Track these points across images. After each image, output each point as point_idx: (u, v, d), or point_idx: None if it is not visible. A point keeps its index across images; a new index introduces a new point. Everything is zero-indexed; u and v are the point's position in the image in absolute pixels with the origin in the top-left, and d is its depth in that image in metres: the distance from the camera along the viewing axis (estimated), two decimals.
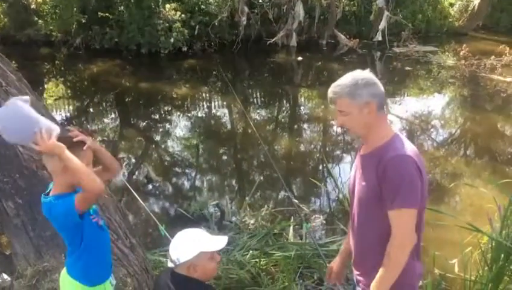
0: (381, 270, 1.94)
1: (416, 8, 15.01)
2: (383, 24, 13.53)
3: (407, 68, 11.71)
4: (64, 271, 2.22)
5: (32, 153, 2.66)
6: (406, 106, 9.39)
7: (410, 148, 1.95)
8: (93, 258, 2.15)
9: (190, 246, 2.03)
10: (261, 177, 6.05)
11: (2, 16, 12.77)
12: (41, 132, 1.86)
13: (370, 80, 1.99)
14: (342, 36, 13.87)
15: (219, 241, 2.11)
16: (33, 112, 1.91)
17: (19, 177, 2.65)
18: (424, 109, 9.11)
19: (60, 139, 1.92)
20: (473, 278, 3.31)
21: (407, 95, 10.27)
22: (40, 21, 12.70)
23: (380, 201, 1.93)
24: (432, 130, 8.27)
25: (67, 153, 1.88)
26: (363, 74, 2.01)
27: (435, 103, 9.54)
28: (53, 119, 3.10)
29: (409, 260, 1.95)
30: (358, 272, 2.17)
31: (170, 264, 2.06)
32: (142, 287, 2.89)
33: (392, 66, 11.95)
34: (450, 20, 15.66)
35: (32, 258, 2.73)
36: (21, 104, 1.88)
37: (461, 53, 11.92)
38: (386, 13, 13.56)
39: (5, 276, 3.20)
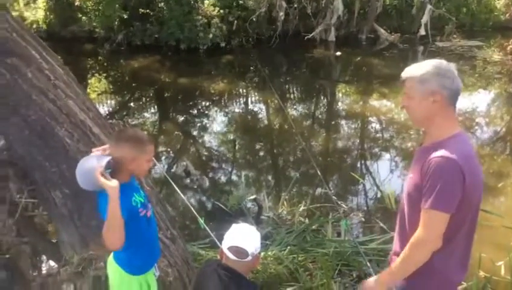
0: (396, 261, 1.95)
1: (461, 1, 14.52)
2: (425, 18, 13.15)
3: (451, 63, 11.31)
4: (111, 257, 2.29)
5: (79, 145, 2.75)
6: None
7: (462, 151, 1.86)
8: (139, 250, 2.20)
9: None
10: (298, 173, 6.02)
11: (48, 13, 13.24)
12: (95, 175, 1.96)
13: (447, 71, 1.94)
14: (382, 30, 13.58)
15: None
16: (92, 161, 2.05)
17: (66, 168, 2.74)
18: (469, 105, 8.79)
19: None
20: None
21: None
22: (83, 18, 13.10)
23: (421, 196, 1.88)
24: (476, 127, 7.98)
25: (114, 196, 1.93)
26: (443, 64, 1.97)
27: (479, 100, 9.20)
28: (99, 115, 3.20)
29: (440, 264, 1.90)
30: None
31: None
32: (182, 278, 2.93)
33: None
34: (496, 13, 15.06)
35: (78, 247, 2.82)
36: (83, 160, 2.10)
37: (508, 48, 11.44)
38: (429, 7, 13.17)
39: (51, 263, 3.33)
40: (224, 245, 2.08)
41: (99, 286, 2.58)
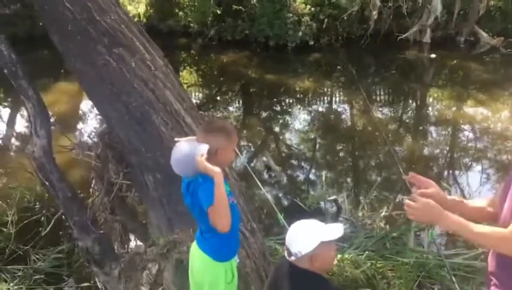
0: (480, 229, 1.77)
1: None
2: None
3: None
4: (194, 244, 2.37)
5: (172, 133, 2.91)
6: None
7: None
8: (226, 236, 2.24)
9: (310, 237, 2.00)
10: (380, 177, 5.84)
11: (148, 8, 14.05)
12: (198, 160, 2.07)
13: None
14: (484, 33, 12.67)
15: (336, 230, 2.06)
16: (190, 148, 2.15)
17: (160, 154, 2.91)
18: None
19: None
20: None
21: None
22: (180, 13, 13.71)
23: None
24: None
25: (220, 181, 2.03)
26: None
27: None
28: (192, 106, 3.35)
29: None
30: (492, 282, 1.97)
31: (292, 258, 2.04)
32: (259, 270, 2.99)
33: None
34: None
35: (165, 230, 2.99)
36: (178, 147, 2.20)
37: None
38: None
39: (139, 242, 3.56)
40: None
41: (181, 269, 2.70)
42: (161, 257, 2.88)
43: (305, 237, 2.02)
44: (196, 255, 2.35)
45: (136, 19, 13.41)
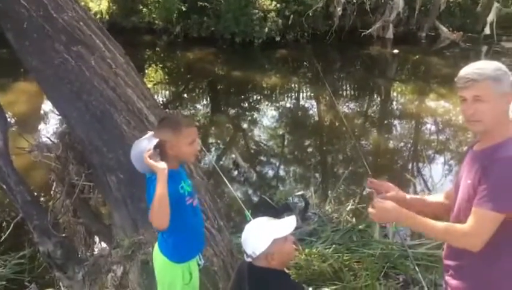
0: (435, 225, 1.85)
1: None
2: (491, 16, 12.48)
3: None
4: (156, 245, 2.35)
5: (135, 132, 2.85)
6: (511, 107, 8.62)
7: None
8: (183, 238, 2.23)
9: (262, 236, 1.99)
10: (347, 172, 5.93)
11: (111, 4, 13.75)
12: (143, 156, 2.04)
13: (508, 70, 1.83)
14: (444, 28, 13.05)
15: (289, 224, 2.05)
16: (142, 145, 2.14)
17: (122, 154, 2.84)
18: None
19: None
20: None
21: None
22: (144, 9, 13.50)
23: None
24: None
25: (162, 178, 1.98)
26: (501, 64, 1.85)
27: None
28: (156, 104, 3.30)
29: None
30: (449, 273, 2.03)
31: (249, 259, 2.03)
32: (227, 268, 2.98)
33: (499, 62, 10.97)
34: None
35: (129, 231, 2.93)
36: (136, 143, 2.21)
37: None
38: (496, 5, 12.48)
39: (104, 245, 3.48)
40: None
41: (147, 270, 2.66)
42: (126, 259, 2.83)
43: (257, 237, 2.00)
44: (156, 256, 2.33)
45: (98, 16, 13.11)
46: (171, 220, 2.08)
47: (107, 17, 13.38)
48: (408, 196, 2.18)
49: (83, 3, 12.90)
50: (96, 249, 3.51)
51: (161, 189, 1.97)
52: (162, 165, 2.00)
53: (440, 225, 1.87)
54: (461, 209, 1.94)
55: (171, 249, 2.27)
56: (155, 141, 2.08)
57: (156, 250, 2.33)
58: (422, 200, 2.23)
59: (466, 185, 1.90)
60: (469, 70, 1.82)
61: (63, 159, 3.19)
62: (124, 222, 2.98)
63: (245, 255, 2.04)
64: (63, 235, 3.25)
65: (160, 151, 2.11)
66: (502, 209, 1.74)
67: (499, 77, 1.78)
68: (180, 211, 2.15)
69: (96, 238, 3.57)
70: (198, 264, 2.42)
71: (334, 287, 3.40)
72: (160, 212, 1.99)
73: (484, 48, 12.33)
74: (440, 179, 5.75)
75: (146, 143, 2.11)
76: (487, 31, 12.59)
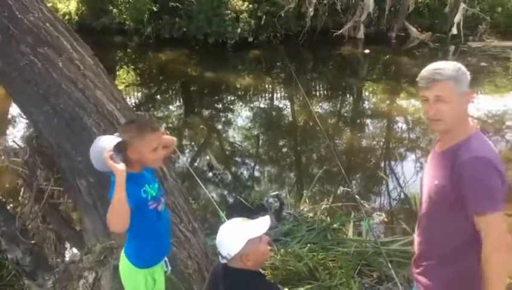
0: (487, 281, 1.81)
1: (496, 0, 14.08)
2: (458, 17, 12.81)
3: (483, 64, 11.03)
4: (123, 249, 2.31)
5: (105, 135, 2.79)
6: (479, 104, 8.86)
7: (486, 148, 1.84)
8: (145, 243, 2.18)
9: (236, 237, 1.98)
10: (321, 171, 5.98)
11: (80, 5, 13.49)
12: (104, 156, 1.98)
13: (466, 70, 1.87)
14: (413, 29, 13.32)
15: (263, 224, 2.04)
16: (102, 143, 2.11)
17: None
18: (499, 107, 8.55)
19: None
20: None
21: (481, 93, 9.68)
22: (114, 10, 13.28)
23: (448, 201, 1.85)
24: (506, 130, 7.75)
25: (120, 180, 1.92)
26: (459, 64, 1.89)
27: (511, 102, 8.92)
28: (127, 106, 3.24)
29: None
30: (418, 270, 2.08)
31: (224, 260, 2.02)
32: (202, 271, 2.95)
33: (466, 61, 11.28)
34: None
35: (101, 235, 2.87)
36: (96, 140, 2.19)
37: None
38: (463, 5, 12.83)
39: (75, 250, 3.40)
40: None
41: (119, 275, 2.61)
42: (98, 264, 2.77)
43: (231, 238, 1.99)
44: (121, 260, 2.29)
45: (66, 17, 12.86)
46: (133, 224, 2.04)
47: (76, 18, 13.13)
48: None
49: (50, 4, 12.63)
50: (67, 256, 3.44)
51: (118, 191, 1.91)
52: (120, 167, 1.92)
53: (485, 270, 1.81)
54: (429, 208, 1.98)
55: (134, 254, 2.23)
56: (116, 140, 2.01)
57: (122, 254, 2.29)
58: None
59: (433, 185, 1.92)
60: (430, 70, 1.86)
61: (30, 164, 3.11)
62: (95, 226, 2.92)
63: (220, 256, 2.02)
64: (32, 241, 3.17)
65: (124, 152, 2.04)
66: (493, 208, 1.76)
67: (459, 77, 1.83)
68: (142, 215, 2.10)
69: (67, 244, 3.49)
70: (165, 271, 2.38)
71: (309, 286, 3.41)
72: (116, 214, 1.93)
73: (452, 48, 12.65)
74: (412, 176, 5.85)
75: (106, 141, 2.06)
76: (454, 31, 12.92)
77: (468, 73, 1.87)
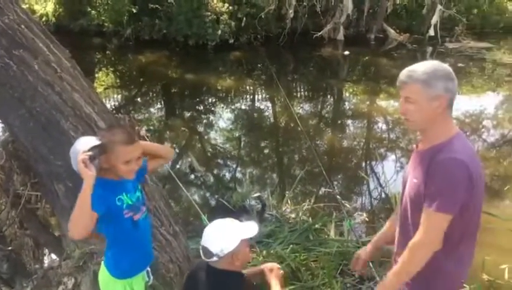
0: (398, 264, 1.94)
1: (472, 2, 14.39)
2: (435, 19, 13.05)
3: (460, 65, 11.25)
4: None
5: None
6: (457, 105, 8.96)
7: (466, 151, 1.86)
8: (122, 252, 2.15)
9: (231, 235, 2.00)
10: (303, 172, 6.00)
11: (57, 6, 13.28)
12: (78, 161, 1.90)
13: (449, 73, 1.90)
14: (392, 30, 13.51)
15: (252, 227, 2.09)
16: (79, 144, 2.08)
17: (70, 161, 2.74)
18: (476, 108, 8.72)
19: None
20: None
21: (458, 93, 9.79)
22: (92, 12, 13.12)
23: (423, 199, 1.88)
24: (483, 130, 7.91)
25: (87, 185, 1.86)
26: (444, 66, 1.92)
27: (487, 102, 9.11)
28: (105, 109, 3.20)
29: (451, 265, 1.91)
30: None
31: (213, 259, 2.00)
32: (183, 274, 2.92)
33: (443, 62, 11.45)
34: (507, 15, 14.91)
35: (80, 241, 2.82)
36: (78, 140, 2.17)
37: None
38: (439, 7, 13.06)
39: (53, 256, 3.34)
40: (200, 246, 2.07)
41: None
42: (77, 270, 2.72)
43: (225, 236, 2.01)
44: (101, 269, 2.26)
45: (44, 19, 12.65)
46: (109, 233, 2.03)
47: (53, 19, 12.94)
48: (375, 241, 2.42)
49: (27, 6, 12.41)
50: (45, 262, 3.37)
51: (83, 196, 1.84)
52: (90, 172, 1.85)
53: (404, 254, 1.92)
54: (408, 207, 2.01)
55: (112, 264, 2.19)
56: (93, 143, 1.96)
57: (102, 263, 2.26)
58: (382, 234, 2.39)
59: (412, 183, 1.96)
60: (404, 72, 1.92)
61: (6, 169, 3.05)
62: None
63: (206, 255, 2.01)
64: (9, 248, 3.10)
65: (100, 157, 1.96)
66: (445, 210, 1.81)
67: (428, 81, 1.86)
68: (117, 223, 2.07)
69: (46, 250, 3.42)
70: (146, 281, 2.34)
71: (292, 287, 3.41)
72: (75, 219, 1.86)
73: (429, 49, 12.87)
74: (392, 176, 5.92)
75: (85, 143, 2.01)
76: (432, 32, 13.15)
77: (446, 76, 1.89)
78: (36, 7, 13.21)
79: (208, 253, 2.01)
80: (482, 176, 1.90)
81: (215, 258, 2.01)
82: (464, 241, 1.93)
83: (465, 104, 8.99)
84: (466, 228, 1.90)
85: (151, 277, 2.36)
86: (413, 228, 1.97)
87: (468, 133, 7.73)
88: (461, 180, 1.79)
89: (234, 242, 1.99)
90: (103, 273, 2.23)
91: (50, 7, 13.30)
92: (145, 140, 3.37)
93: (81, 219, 1.86)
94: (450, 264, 1.92)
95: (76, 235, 1.90)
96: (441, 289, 1.96)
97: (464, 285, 2.21)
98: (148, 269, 2.33)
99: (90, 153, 1.89)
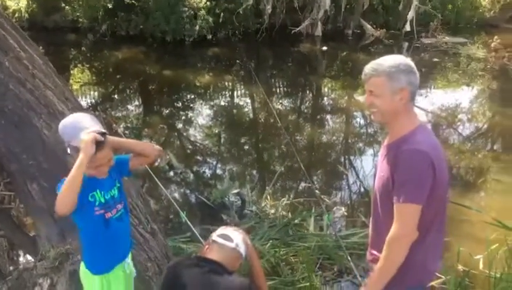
0: (379, 262, 1.96)
1: None
2: (411, 14, 13.22)
3: (435, 60, 11.44)
4: None
5: (57, 136, 2.69)
6: (432, 99, 9.19)
7: (429, 142, 1.92)
8: (94, 249, 2.16)
9: (243, 241, 2.22)
10: (282, 168, 6.02)
11: (30, 2, 12.97)
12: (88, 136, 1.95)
13: (411, 67, 1.94)
14: (368, 26, 13.64)
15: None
16: (83, 121, 2.07)
17: (44, 160, 2.69)
18: (451, 101, 8.89)
19: None
20: (498, 275, 3.22)
21: (434, 88, 10.04)
22: (66, 7, 12.86)
23: (390, 191, 1.92)
24: (458, 123, 8.07)
25: (83, 162, 1.91)
26: (406, 60, 1.96)
27: (462, 96, 9.30)
28: (79, 107, 3.14)
29: (419, 256, 1.94)
30: (371, 258, 2.15)
31: (220, 241, 2.16)
32: (162, 272, 2.90)
33: (419, 57, 11.68)
34: (481, 11, 15.22)
35: (55, 241, 2.77)
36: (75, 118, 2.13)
37: (492, 45, 11.58)
38: (415, 3, 13.23)
39: (28, 257, 3.27)
40: (215, 235, 2.20)
41: (76, 281, 2.53)
42: (53, 271, 2.67)
43: (242, 240, 2.21)
44: (82, 264, 2.27)
45: (16, 15, 12.35)
46: (80, 228, 2.08)
47: (26, 15, 12.62)
48: None
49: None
50: (20, 263, 3.30)
51: (76, 172, 1.89)
52: (93, 150, 1.92)
53: (383, 251, 1.94)
54: (377, 200, 2.04)
55: (87, 259, 2.22)
56: (99, 129, 2.00)
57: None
58: None
59: (380, 177, 2.01)
60: (368, 65, 1.97)
61: None
62: (50, 231, 2.81)
63: (221, 237, 2.18)
64: None
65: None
66: (413, 200, 1.84)
67: (392, 74, 1.90)
68: (87, 219, 2.08)
69: (20, 251, 3.35)
70: (128, 273, 2.32)
71: (271, 282, 3.42)
72: (65, 194, 1.89)
73: (405, 44, 13.04)
74: (370, 170, 5.98)
75: (89, 121, 2.03)
76: (408, 28, 13.33)
77: (410, 69, 1.92)
78: (9, 3, 12.87)
79: (230, 239, 2.17)
80: (445, 167, 1.95)
81: (233, 245, 2.15)
82: (431, 233, 1.96)
83: (440, 98, 9.15)
84: (432, 219, 1.94)
85: (133, 270, 2.37)
86: (383, 218, 2.01)
87: (444, 127, 7.87)
88: (425, 170, 1.84)
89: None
90: (82, 268, 2.26)
91: (23, 3, 12.97)
92: (122, 137, 3.32)
93: (71, 194, 1.89)
94: (419, 256, 1.94)
95: (63, 209, 1.92)
96: (412, 281, 1.98)
97: (440, 276, 2.24)
98: (129, 261, 2.33)
99: (100, 137, 1.95)
